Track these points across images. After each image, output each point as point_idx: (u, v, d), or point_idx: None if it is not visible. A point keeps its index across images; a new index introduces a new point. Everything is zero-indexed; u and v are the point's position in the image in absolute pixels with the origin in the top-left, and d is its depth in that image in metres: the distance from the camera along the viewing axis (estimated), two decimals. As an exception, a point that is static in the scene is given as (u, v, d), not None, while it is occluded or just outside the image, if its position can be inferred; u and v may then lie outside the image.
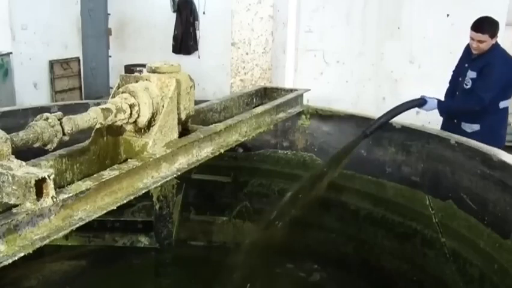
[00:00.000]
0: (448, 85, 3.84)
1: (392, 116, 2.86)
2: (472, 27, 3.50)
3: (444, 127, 3.64)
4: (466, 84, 3.53)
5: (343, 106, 4.50)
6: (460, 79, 3.60)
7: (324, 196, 3.46)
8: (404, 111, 2.97)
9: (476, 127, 3.52)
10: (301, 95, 3.12)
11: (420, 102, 3.33)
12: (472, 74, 3.52)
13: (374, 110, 6.41)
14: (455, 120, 3.63)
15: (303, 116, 3.44)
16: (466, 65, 3.59)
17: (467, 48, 3.66)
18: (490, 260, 2.34)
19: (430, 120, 4.75)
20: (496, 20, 3.53)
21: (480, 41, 3.43)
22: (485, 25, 3.46)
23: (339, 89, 6.73)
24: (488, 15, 3.58)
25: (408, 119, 2.98)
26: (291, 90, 3.13)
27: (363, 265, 3.25)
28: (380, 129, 2.84)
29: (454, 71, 3.82)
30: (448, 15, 6.16)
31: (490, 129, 3.53)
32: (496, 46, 3.51)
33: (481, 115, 3.51)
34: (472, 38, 3.49)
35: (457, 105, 3.57)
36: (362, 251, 3.27)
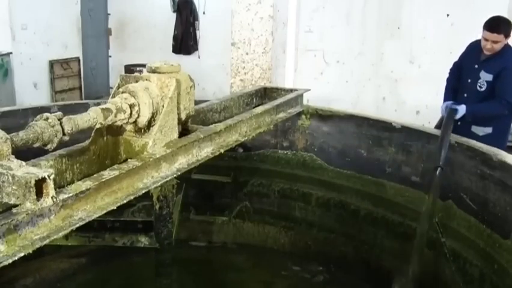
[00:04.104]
0: (445, 83, 3.78)
1: (447, 140, 2.75)
2: (487, 27, 3.35)
3: (453, 131, 3.57)
4: (480, 87, 3.40)
5: (343, 106, 4.51)
6: (470, 80, 3.47)
7: (325, 197, 3.48)
8: (451, 130, 2.88)
9: (488, 130, 3.44)
10: (301, 95, 3.12)
11: (454, 114, 3.21)
12: (487, 77, 3.39)
13: (374, 110, 6.44)
14: (461, 123, 3.58)
15: (303, 116, 3.44)
16: (476, 66, 3.45)
17: (474, 48, 3.56)
18: (490, 260, 2.34)
19: (430, 120, 4.75)
20: (509, 20, 3.43)
21: (495, 42, 3.30)
22: (502, 25, 3.34)
23: (339, 89, 6.73)
24: (500, 15, 3.49)
25: (408, 118, 2.98)
26: (291, 90, 3.13)
27: (363, 265, 3.25)
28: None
29: (454, 70, 3.74)
30: (448, 15, 6.16)
31: (501, 131, 3.48)
32: (508, 47, 3.44)
33: (495, 118, 3.43)
34: (485, 39, 3.35)
35: (485, 110, 3.41)
36: (362, 251, 3.27)
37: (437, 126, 3.60)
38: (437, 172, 2.61)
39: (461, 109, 3.25)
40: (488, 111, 3.42)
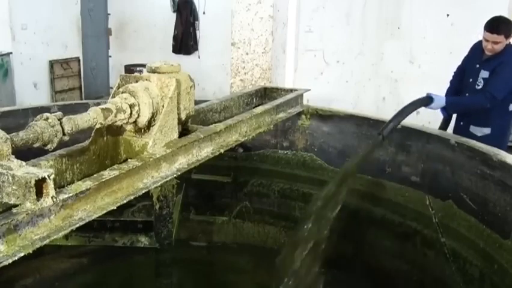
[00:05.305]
0: (448, 84, 3.80)
1: (403, 117, 2.81)
2: (487, 28, 3.36)
3: (453, 131, 3.58)
4: (478, 85, 3.42)
5: (343, 106, 4.51)
6: (471, 80, 3.49)
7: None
8: (413, 111, 2.92)
9: (487, 130, 3.43)
10: (301, 95, 3.12)
11: (427, 101, 3.24)
12: (484, 74, 3.41)
13: (374, 110, 6.45)
14: (462, 123, 3.58)
15: (303, 116, 3.44)
16: (477, 66, 3.48)
17: (476, 49, 3.57)
18: (490, 260, 2.34)
19: (430, 120, 4.75)
20: (509, 20, 3.44)
21: (495, 42, 3.32)
22: (501, 25, 3.35)
23: (339, 89, 6.74)
24: (501, 15, 3.50)
25: (409, 118, 2.98)
26: (291, 90, 3.13)
27: (363, 265, 3.25)
28: (393, 131, 2.77)
29: (457, 72, 3.75)
30: (447, 15, 6.17)
31: (500, 132, 3.47)
32: (510, 46, 3.42)
33: (492, 118, 3.43)
34: (486, 39, 3.36)
35: (466, 102, 3.44)
36: (362, 251, 3.27)
37: (441, 128, 3.61)
38: (379, 139, 2.70)
39: (438, 99, 3.26)
40: (469, 103, 3.44)
